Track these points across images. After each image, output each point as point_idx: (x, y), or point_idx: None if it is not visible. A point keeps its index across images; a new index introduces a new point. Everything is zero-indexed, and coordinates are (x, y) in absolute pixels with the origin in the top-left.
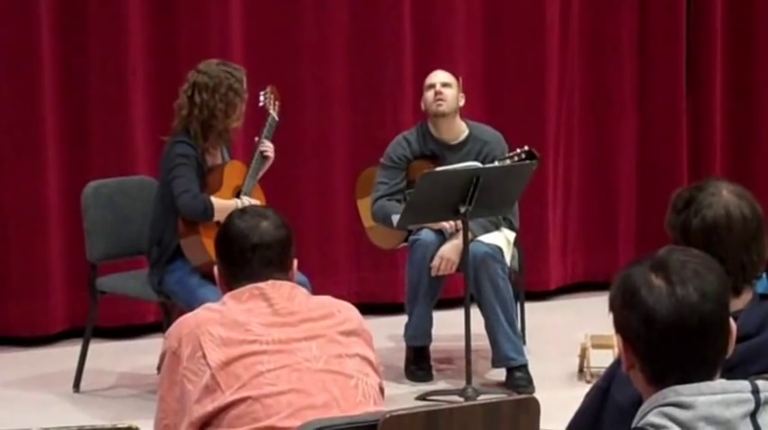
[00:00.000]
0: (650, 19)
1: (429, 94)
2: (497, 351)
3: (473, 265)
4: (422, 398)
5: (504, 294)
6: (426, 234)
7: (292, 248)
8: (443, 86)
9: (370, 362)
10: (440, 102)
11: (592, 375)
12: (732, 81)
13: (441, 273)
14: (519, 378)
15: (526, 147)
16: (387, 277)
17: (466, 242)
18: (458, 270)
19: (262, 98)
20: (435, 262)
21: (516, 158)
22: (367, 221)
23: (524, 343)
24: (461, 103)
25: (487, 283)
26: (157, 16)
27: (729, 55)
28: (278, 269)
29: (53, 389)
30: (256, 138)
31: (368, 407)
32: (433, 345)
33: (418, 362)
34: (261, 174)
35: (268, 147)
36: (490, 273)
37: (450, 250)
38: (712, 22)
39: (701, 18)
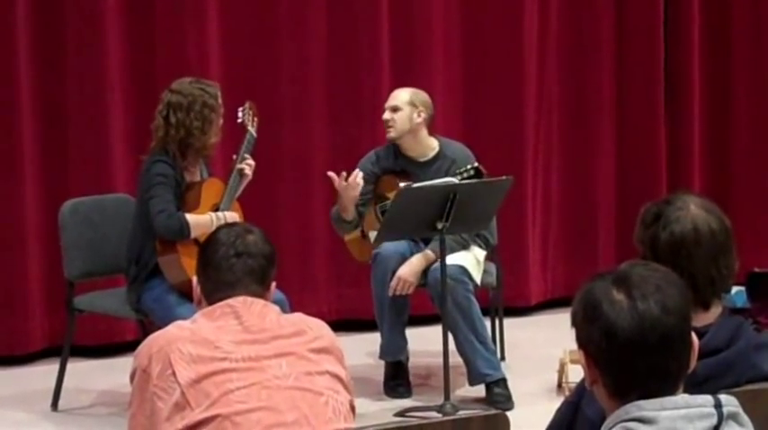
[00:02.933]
0: (628, 34)
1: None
2: (472, 369)
3: (436, 291)
4: (400, 414)
5: (470, 314)
6: (387, 248)
7: (274, 268)
8: (392, 111)
9: (341, 380)
10: (388, 129)
11: (570, 390)
12: (711, 94)
13: (398, 293)
14: (498, 393)
15: (475, 164)
16: (366, 293)
17: (443, 260)
18: (421, 285)
19: (240, 114)
20: (393, 283)
21: (465, 175)
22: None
23: (503, 358)
24: (418, 120)
25: (453, 307)
26: (135, 34)
27: (708, 67)
28: (258, 281)
29: (31, 408)
30: (234, 156)
31: (338, 425)
32: (413, 361)
33: (396, 378)
34: (239, 192)
35: (246, 165)
36: (455, 296)
37: (407, 272)
38: (690, 35)
39: (678, 33)
